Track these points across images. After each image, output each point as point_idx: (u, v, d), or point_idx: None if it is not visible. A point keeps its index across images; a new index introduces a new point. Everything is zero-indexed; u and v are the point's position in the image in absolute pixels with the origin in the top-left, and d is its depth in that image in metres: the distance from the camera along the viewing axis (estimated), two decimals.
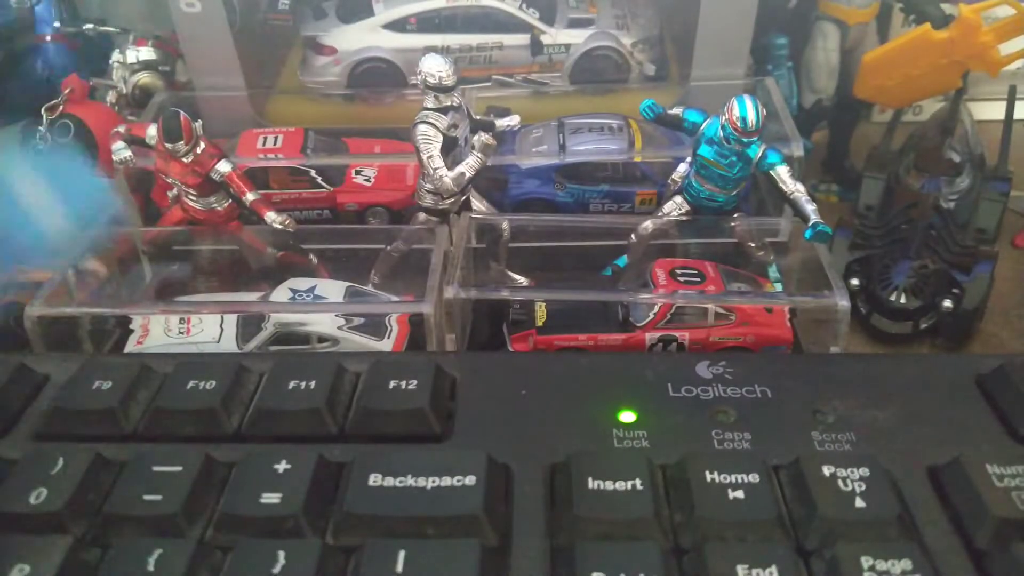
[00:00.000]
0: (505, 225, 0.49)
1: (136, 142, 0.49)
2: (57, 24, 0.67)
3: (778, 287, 0.48)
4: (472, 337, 0.47)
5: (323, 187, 0.56)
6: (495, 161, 0.52)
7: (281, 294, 0.46)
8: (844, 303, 0.41)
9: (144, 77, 0.64)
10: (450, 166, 0.47)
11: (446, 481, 0.29)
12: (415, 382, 0.33)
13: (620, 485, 0.29)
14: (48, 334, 0.43)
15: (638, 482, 0.29)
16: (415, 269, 0.46)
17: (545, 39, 0.63)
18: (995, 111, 0.58)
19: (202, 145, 0.48)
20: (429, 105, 0.47)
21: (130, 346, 0.46)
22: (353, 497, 0.29)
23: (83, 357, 0.36)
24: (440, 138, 0.47)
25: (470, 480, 0.29)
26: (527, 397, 0.34)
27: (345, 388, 0.34)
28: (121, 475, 0.30)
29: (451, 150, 0.48)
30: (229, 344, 0.46)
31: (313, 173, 0.56)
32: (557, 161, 0.54)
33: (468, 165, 0.47)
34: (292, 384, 0.33)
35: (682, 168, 0.50)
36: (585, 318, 0.46)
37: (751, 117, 0.43)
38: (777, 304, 0.46)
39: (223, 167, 0.48)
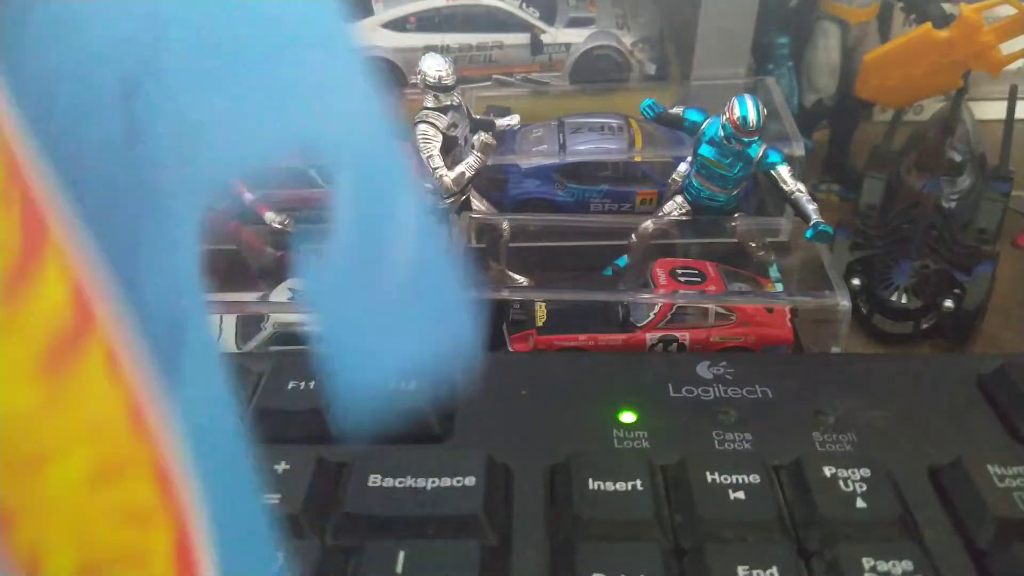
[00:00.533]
0: (505, 225, 0.49)
1: None
2: None
3: (779, 287, 0.48)
4: None
5: (323, 186, 0.56)
6: (495, 161, 0.52)
7: (281, 294, 0.46)
8: (845, 303, 0.41)
9: None
10: (450, 166, 0.47)
11: (446, 481, 0.29)
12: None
13: (620, 485, 0.29)
14: None
15: (638, 483, 0.29)
16: None
17: (545, 38, 0.63)
18: (996, 111, 0.58)
19: None
20: (429, 104, 0.47)
21: None
22: (353, 497, 0.29)
23: None
24: (440, 138, 0.47)
25: (470, 480, 0.29)
26: (527, 397, 0.34)
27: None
28: None
29: (451, 150, 0.48)
30: (229, 344, 0.45)
31: (313, 172, 0.56)
32: (557, 161, 0.54)
33: (468, 165, 0.47)
34: (292, 384, 0.33)
35: (682, 168, 0.50)
36: (585, 318, 0.46)
37: (752, 116, 0.43)
38: (778, 304, 0.46)
39: None
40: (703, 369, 0.35)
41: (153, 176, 0.14)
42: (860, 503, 0.28)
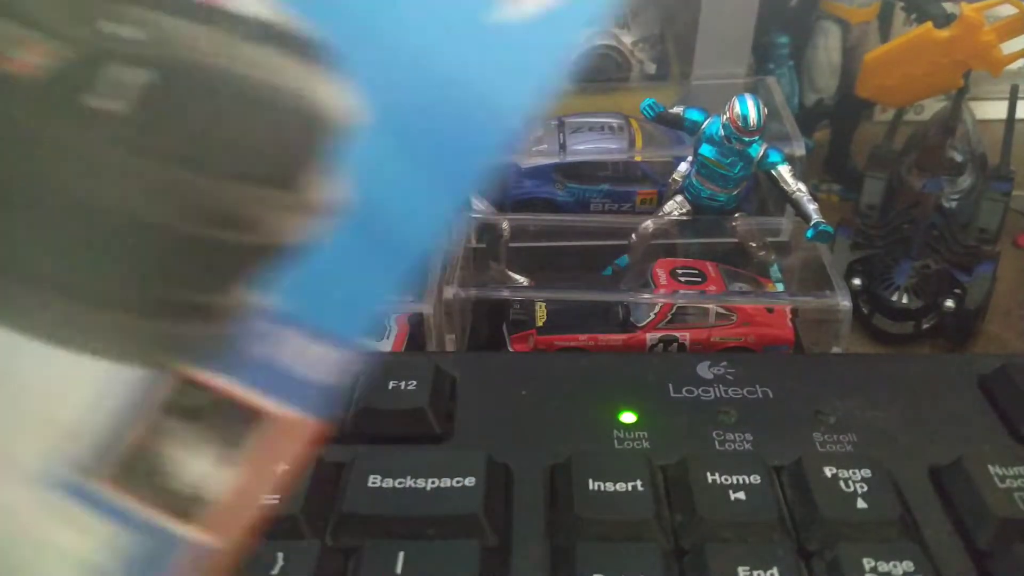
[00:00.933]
0: (505, 225, 0.49)
1: None
2: None
3: (779, 287, 0.48)
4: (472, 337, 0.47)
5: None
6: None
7: None
8: (846, 303, 0.41)
9: None
10: None
11: (446, 482, 0.29)
12: (415, 382, 0.33)
13: (620, 486, 0.28)
14: None
15: (638, 483, 0.29)
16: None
17: None
18: (997, 110, 0.58)
19: None
20: None
21: None
22: (353, 498, 0.28)
23: None
24: None
25: (470, 481, 0.28)
26: (527, 397, 0.34)
27: (344, 388, 0.34)
28: None
29: None
30: None
31: None
32: (557, 160, 0.54)
33: None
34: None
35: (683, 167, 0.50)
36: (585, 318, 0.46)
37: (752, 116, 0.43)
38: (778, 304, 0.46)
39: None
40: (703, 369, 0.35)
41: None
42: (861, 503, 0.28)
